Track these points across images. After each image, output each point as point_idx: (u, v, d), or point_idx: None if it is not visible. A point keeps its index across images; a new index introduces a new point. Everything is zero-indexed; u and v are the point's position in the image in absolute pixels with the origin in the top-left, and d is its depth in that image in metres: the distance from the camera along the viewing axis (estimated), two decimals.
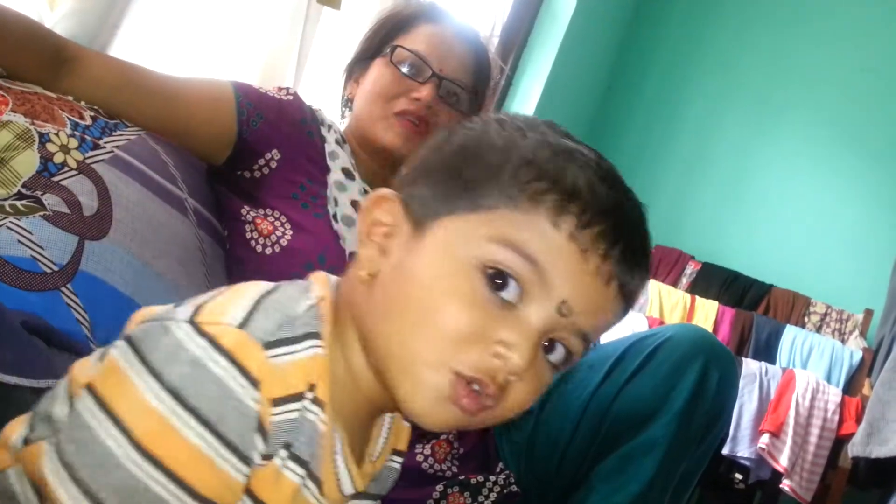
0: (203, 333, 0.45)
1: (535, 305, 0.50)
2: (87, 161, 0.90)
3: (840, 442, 2.34)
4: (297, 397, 0.48)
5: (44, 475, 0.44)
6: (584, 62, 2.96)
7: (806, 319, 2.80)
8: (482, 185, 0.51)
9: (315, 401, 0.49)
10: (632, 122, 3.34)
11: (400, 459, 0.64)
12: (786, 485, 2.29)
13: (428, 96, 1.05)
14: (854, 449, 2.12)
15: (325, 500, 0.53)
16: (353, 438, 0.55)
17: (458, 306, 0.49)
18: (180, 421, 0.44)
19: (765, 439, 2.29)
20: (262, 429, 0.46)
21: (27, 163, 0.85)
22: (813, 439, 2.33)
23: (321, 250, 0.97)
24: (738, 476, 2.39)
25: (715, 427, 1.03)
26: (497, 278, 0.49)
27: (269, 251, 0.97)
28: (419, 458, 0.99)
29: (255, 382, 0.45)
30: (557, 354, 0.53)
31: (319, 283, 0.54)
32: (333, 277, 0.57)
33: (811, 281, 2.92)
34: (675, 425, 0.98)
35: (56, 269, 0.82)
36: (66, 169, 0.88)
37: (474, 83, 1.13)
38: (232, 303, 0.48)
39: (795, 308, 2.81)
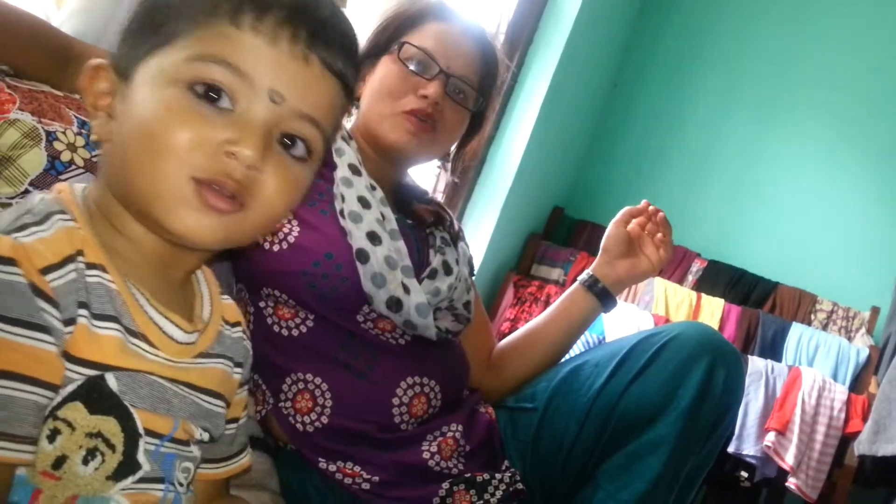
0: None
1: (247, 102, 0.55)
2: (95, 159, 0.90)
3: (846, 440, 2.34)
4: (64, 263, 0.52)
5: None
6: (590, 60, 2.95)
7: (812, 317, 2.79)
8: (169, 20, 0.56)
9: (91, 266, 0.54)
10: (638, 119, 3.33)
11: (240, 330, 0.70)
12: (792, 483, 2.28)
13: (435, 93, 1.05)
14: (860, 447, 2.12)
15: (162, 353, 0.57)
16: (166, 298, 0.59)
17: (176, 122, 0.54)
18: None
19: (770, 437, 2.29)
20: (44, 296, 0.49)
21: (34, 161, 0.86)
22: (819, 437, 2.32)
23: (328, 247, 0.98)
24: (744, 474, 2.39)
25: (721, 425, 1.03)
26: (207, 92, 0.54)
27: (276, 248, 0.97)
28: (425, 455, 0.99)
29: (9, 261, 0.48)
30: (298, 148, 0.58)
31: (57, 185, 0.59)
32: (81, 184, 0.61)
33: (817, 279, 2.92)
34: (682, 423, 0.98)
35: None
36: (74, 167, 0.88)
37: (481, 81, 1.13)
38: None
39: (801, 306, 2.81)
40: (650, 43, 3.34)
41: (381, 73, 1.09)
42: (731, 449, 2.31)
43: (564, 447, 1.05)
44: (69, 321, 0.51)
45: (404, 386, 0.99)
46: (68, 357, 0.51)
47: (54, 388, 0.50)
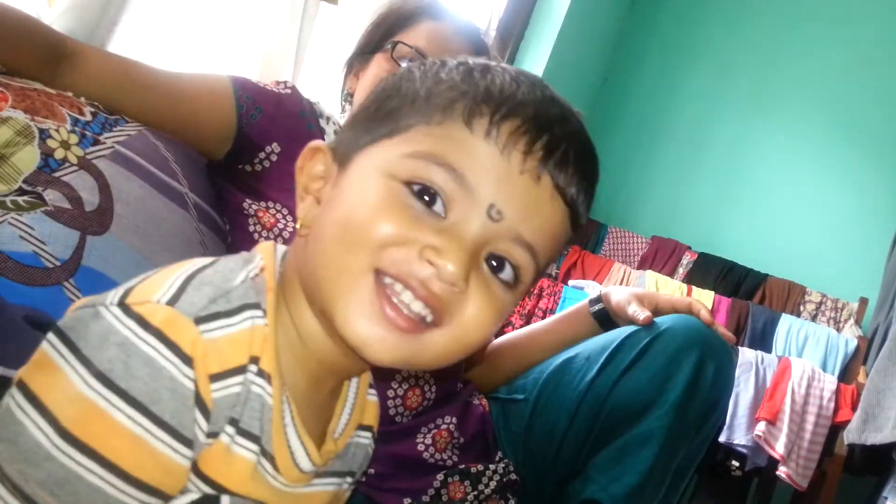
0: (131, 314, 0.44)
1: (463, 213, 0.48)
2: (88, 157, 0.91)
3: (836, 429, 2.36)
4: (238, 371, 0.47)
5: None
6: (581, 55, 2.96)
7: (801, 308, 2.82)
8: (399, 111, 0.51)
9: (260, 373, 0.48)
10: (628, 113, 3.34)
11: (368, 435, 0.63)
12: (782, 471, 2.30)
13: None
14: (850, 436, 2.14)
15: (282, 478, 0.51)
16: (309, 412, 0.53)
17: (381, 213, 0.48)
18: (110, 405, 0.42)
19: (761, 427, 2.31)
20: (202, 406, 0.45)
21: (28, 159, 0.86)
22: (809, 427, 2.34)
23: None
24: (735, 463, 2.41)
25: (711, 417, 1.04)
26: (423, 194, 0.48)
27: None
28: (420, 447, 1.00)
29: (187, 360, 0.44)
30: (506, 272, 0.51)
31: (263, 253, 0.53)
32: (283, 247, 0.56)
33: (806, 270, 2.94)
34: (672, 416, 0.99)
35: (58, 263, 0.83)
36: (67, 165, 0.88)
37: None
38: (162, 281, 0.46)
39: (791, 297, 2.83)
40: (640, 37, 3.35)
41: (375, 72, 1.09)
42: (722, 438, 2.33)
43: (556, 439, 1.06)
44: (213, 434, 0.46)
45: (399, 379, 1.00)
46: (195, 469, 0.47)
47: (170, 499, 0.46)
